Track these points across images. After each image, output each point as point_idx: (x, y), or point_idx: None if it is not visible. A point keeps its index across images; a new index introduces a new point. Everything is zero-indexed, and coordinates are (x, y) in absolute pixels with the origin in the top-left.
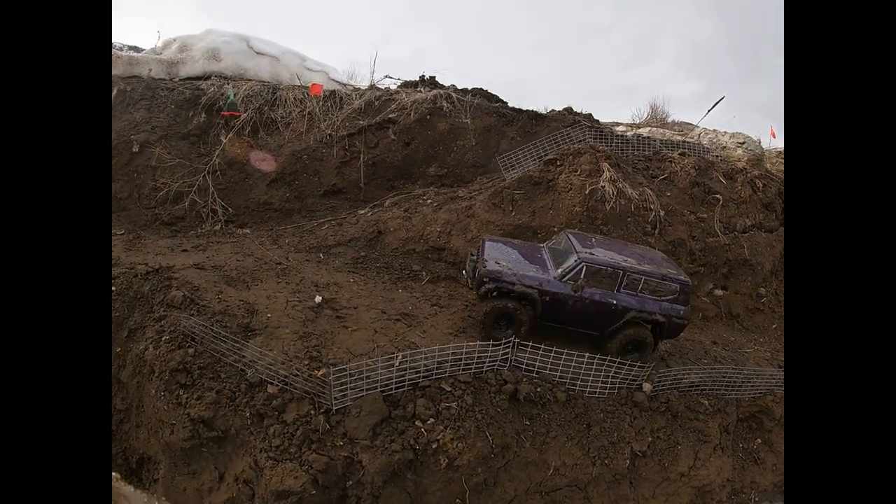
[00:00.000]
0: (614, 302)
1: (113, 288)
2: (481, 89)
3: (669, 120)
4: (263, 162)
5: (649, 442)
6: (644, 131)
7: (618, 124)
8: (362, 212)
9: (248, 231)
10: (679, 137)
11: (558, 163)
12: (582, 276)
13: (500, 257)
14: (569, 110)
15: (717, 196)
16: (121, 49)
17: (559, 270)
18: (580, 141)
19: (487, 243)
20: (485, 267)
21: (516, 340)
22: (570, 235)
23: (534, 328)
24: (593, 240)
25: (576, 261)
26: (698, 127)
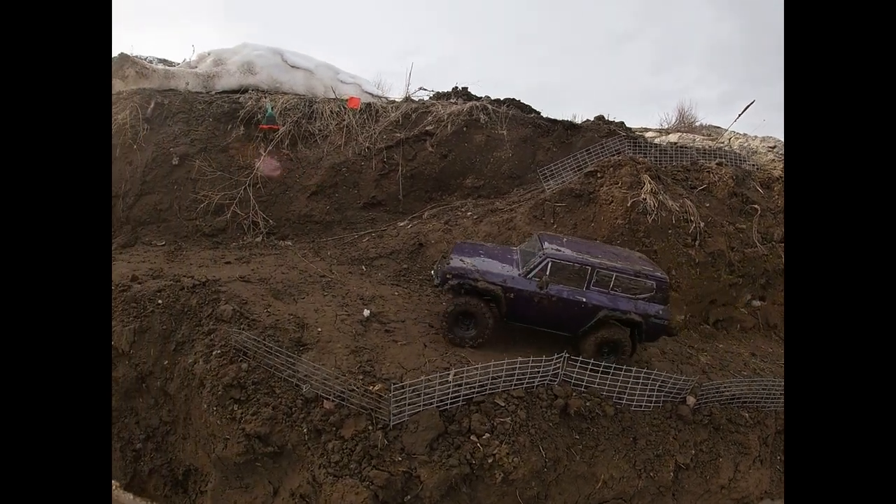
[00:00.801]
0: (583, 300)
1: (159, 301)
2: (514, 100)
3: (697, 124)
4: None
5: (692, 455)
6: (673, 137)
7: (647, 130)
8: (402, 224)
9: (289, 243)
10: (710, 142)
11: (599, 175)
12: (547, 273)
13: (467, 256)
14: (601, 119)
15: (755, 206)
16: (151, 62)
17: (524, 267)
18: (617, 151)
19: (458, 245)
20: (448, 264)
21: (566, 355)
22: (540, 236)
23: (504, 329)
24: (564, 240)
25: (541, 256)
26: (727, 131)
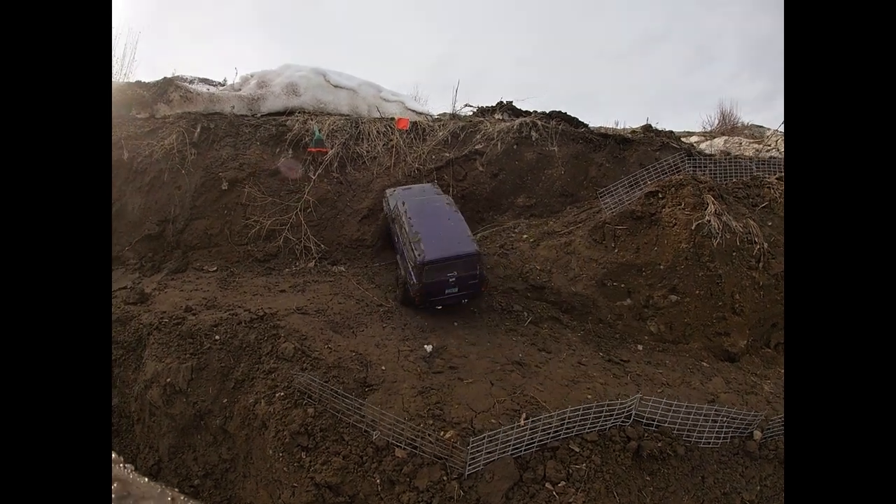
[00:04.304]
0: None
1: (216, 337)
2: (562, 113)
3: (739, 124)
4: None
5: (758, 491)
6: (719, 140)
7: (690, 134)
8: None
9: (342, 268)
10: (757, 145)
11: (660, 195)
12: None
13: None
14: (650, 128)
15: None
16: (192, 82)
17: None
18: (675, 168)
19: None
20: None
21: (639, 396)
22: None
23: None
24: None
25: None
26: (770, 130)
